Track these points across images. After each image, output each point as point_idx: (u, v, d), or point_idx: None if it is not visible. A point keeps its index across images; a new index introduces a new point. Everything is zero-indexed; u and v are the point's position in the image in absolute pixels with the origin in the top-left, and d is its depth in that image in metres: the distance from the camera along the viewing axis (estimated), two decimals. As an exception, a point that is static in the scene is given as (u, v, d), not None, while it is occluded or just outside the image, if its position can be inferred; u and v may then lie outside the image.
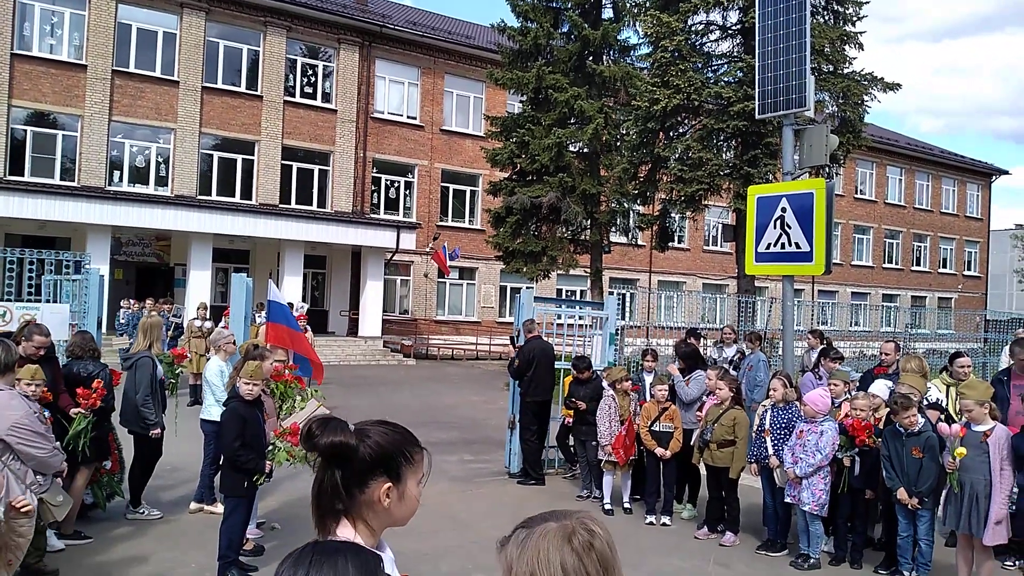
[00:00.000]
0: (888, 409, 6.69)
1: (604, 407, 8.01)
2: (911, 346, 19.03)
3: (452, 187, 28.76)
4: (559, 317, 10.74)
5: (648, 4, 18.79)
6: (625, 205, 20.54)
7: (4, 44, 21.10)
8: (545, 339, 9.41)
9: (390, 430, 1.75)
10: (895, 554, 6.15)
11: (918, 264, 41.15)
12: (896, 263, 40.12)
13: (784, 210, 8.94)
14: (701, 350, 11.05)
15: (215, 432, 6.40)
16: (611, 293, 11.23)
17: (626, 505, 7.96)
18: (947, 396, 7.15)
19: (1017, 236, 45.82)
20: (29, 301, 7.89)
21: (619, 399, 8.01)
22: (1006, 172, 44.41)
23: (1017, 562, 6.47)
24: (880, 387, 7.14)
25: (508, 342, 10.46)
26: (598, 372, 9.05)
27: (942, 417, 6.43)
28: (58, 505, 4.89)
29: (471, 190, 29.06)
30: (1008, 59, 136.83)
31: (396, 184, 27.81)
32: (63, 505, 4.96)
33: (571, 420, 8.69)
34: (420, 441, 1.78)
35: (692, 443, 7.47)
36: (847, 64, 17.14)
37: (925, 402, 6.80)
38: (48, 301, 8.07)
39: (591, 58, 20.50)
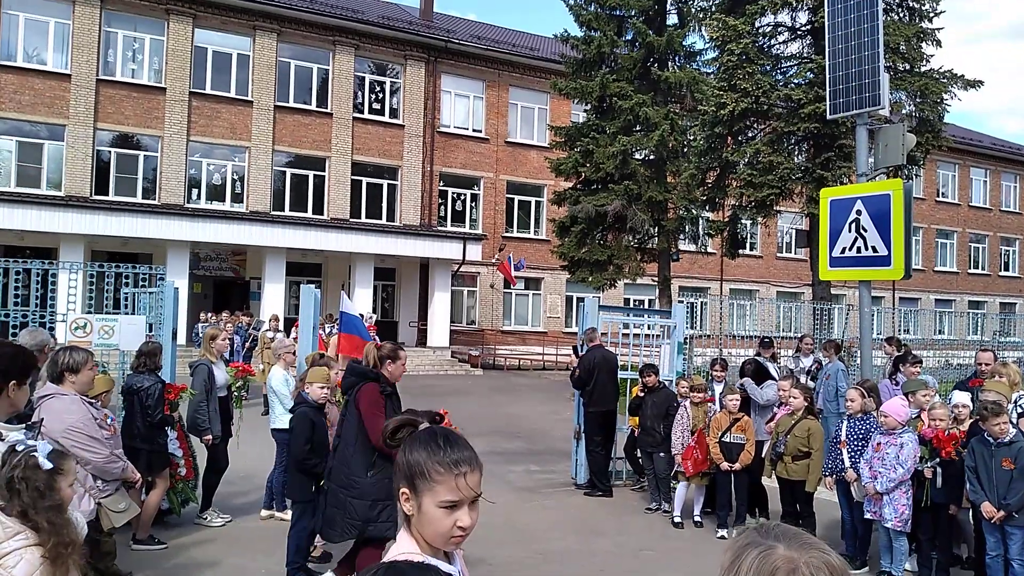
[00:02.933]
0: (972, 419, 6.35)
1: (678, 417, 7.87)
2: (1001, 355, 18.05)
3: (517, 198, 28.83)
4: (625, 326, 10.58)
5: (714, 8, 18.50)
6: (693, 212, 20.20)
7: (91, 71, 22.20)
8: (608, 348, 9.28)
9: (422, 440, 1.75)
10: (984, 574, 5.78)
11: (1006, 269, 39.18)
12: (983, 268, 38.29)
13: (859, 212, 8.58)
14: (775, 360, 10.74)
15: (287, 440, 6.50)
16: (680, 302, 11.00)
17: (696, 519, 7.74)
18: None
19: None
20: (109, 313, 8.19)
21: (692, 410, 7.83)
22: (1101, 170, 41.90)
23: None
24: (963, 397, 6.77)
25: (572, 352, 10.35)
26: (665, 382, 8.87)
27: None
28: (119, 512, 4.98)
29: (536, 201, 29.08)
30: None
31: (462, 196, 28.04)
32: (125, 512, 5.05)
33: (638, 431, 8.52)
34: (459, 462, 1.68)
35: (764, 455, 7.23)
36: (924, 62, 16.48)
37: (1018, 411, 6.42)
38: (127, 313, 8.37)
39: (656, 64, 20.29)
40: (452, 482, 1.69)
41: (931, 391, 7.13)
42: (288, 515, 6.56)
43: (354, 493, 4.86)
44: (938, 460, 6.03)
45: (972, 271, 37.91)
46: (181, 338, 9.89)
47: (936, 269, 36.45)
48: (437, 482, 1.69)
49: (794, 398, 6.93)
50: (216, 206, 23.79)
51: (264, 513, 7.34)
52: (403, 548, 1.73)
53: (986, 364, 8.07)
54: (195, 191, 23.83)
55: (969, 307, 35.09)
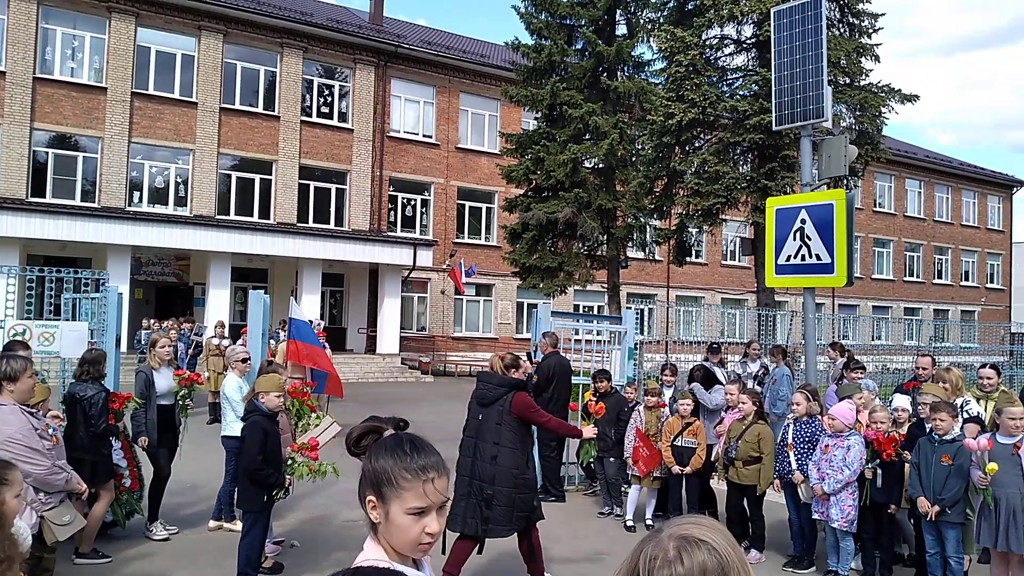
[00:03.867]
0: (910, 423, 6.57)
1: (631, 422, 7.99)
2: (937, 360, 18.70)
3: (468, 204, 28.82)
4: (577, 332, 10.67)
5: (662, 20, 18.84)
6: (641, 220, 20.47)
7: (27, 68, 21.46)
8: (563, 354, 9.33)
9: (388, 447, 1.74)
10: (925, 571, 5.99)
11: (939, 277, 40.69)
12: (917, 276, 39.70)
13: (804, 221, 8.83)
14: (724, 366, 10.95)
15: (237, 448, 6.37)
16: (629, 308, 11.14)
17: (648, 522, 7.83)
18: (985, 410, 7.00)
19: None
20: (49, 319, 7.92)
21: (645, 414, 7.93)
22: (1027, 184, 43.93)
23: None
24: (903, 401, 7.01)
25: (525, 358, 10.38)
26: (617, 387, 8.96)
27: (984, 431, 6.26)
28: (63, 525, 4.80)
29: (487, 207, 29.12)
30: (1022, 72, 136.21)
31: (412, 202, 27.92)
32: (69, 526, 4.86)
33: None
34: (426, 468, 1.68)
35: (713, 459, 7.35)
36: (864, 76, 17.05)
37: (965, 415, 6.68)
38: (68, 320, 8.11)
39: (605, 74, 20.54)
40: (420, 488, 1.68)
41: (870, 395, 7.36)
42: (237, 525, 6.43)
43: (523, 490, 5.53)
44: (878, 461, 6.23)
45: (907, 279, 39.26)
46: (123, 345, 9.60)
47: (873, 277, 37.64)
48: (405, 489, 1.68)
49: (743, 403, 7.06)
50: (159, 209, 23.21)
51: (212, 524, 7.18)
52: (370, 556, 1.72)
53: (923, 368, 8.37)
54: (137, 194, 23.21)
55: (904, 314, 36.34)
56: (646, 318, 16.83)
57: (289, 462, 5.67)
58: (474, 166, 28.67)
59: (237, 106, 24.50)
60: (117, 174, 22.58)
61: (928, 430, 5.99)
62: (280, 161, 24.99)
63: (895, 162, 34.79)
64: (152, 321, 18.14)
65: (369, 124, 26.52)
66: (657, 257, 24.69)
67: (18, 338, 6.97)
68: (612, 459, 8.17)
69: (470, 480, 5.53)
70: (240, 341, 11.81)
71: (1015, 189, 44.02)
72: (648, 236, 21.24)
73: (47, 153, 22.12)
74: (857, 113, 16.91)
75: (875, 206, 37.97)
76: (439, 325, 27.88)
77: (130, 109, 22.77)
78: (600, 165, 20.64)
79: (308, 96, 25.90)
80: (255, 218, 24.49)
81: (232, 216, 24.11)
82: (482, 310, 29.04)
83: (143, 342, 17.54)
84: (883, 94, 16.98)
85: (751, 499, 6.94)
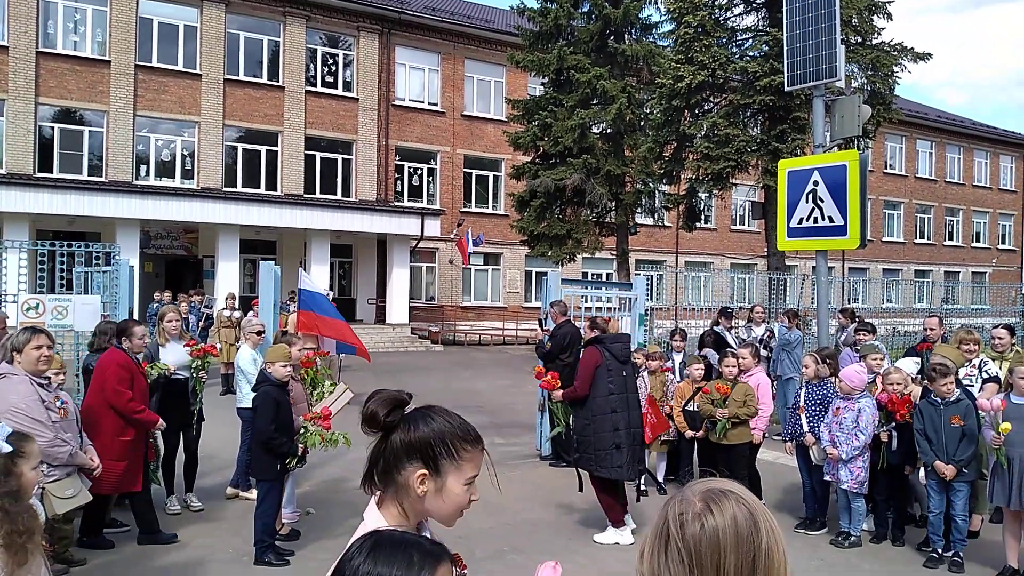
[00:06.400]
0: (920, 385, 6.54)
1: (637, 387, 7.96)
2: (948, 322, 18.66)
3: (475, 172, 28.67)
4: (586, 300, 10.65)
5: (670, -20, 18.47)
6: (651, 185, 20.33)
7: (29, 43, 21.32)
8: (573, 322, 9.32)
9: (442, 419, 1.70)
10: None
11: (951, 239, 40.38)
12: (928, 238, 39.40)
13: (816, 184, 8.72)
14: (732, 330, 10.92)
15: (252, 419, 6.40)
16: (638, 274, 11.10)
17: (660, 485, 7.88)
18: (1000, 369, 6.97)
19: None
20: (61, 293, 7.95)
21: (649, 379, 7.93)
22: (1041, 142, 43.31)
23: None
24: (908, 364, 6.98)
25: (536, 326, 10.39)
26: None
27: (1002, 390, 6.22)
28: (64, 498, 4.80)
29: (494, 175, 28.96)
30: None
31: (419, 171, 27.78)
32: (71, 500, 4.86)
33: None
34: (479, 437, 1.70)
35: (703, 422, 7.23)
36: (876, 35, 16.74)
37: (984, 375, 6.67)
38: (80, 293, 8.14)
39: (612, 37, 20.26)
40: (479, 458, 1.69)
41: (882, 356, 7.33)
42: (253, 494, 6.49)
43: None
44: (893, 424, 6.22)
45: (918, 241, 38.97)
46: (135, 318, 9.64)
47: (884, 239, 37.37)
48: (465, 460, 1.67)
49: (728, 367, 6.97)
50: (166, 183, 23.18)
51: (229, 491, 7.26)
52: (376, 521, 1.69)
53: (931, 329, 8.35)
54: (143, 167, 23.17)
55: (915, 276, 36.13)
56: (655, 284, 16.79)
57: (302, 431, 5.71)
58: (480, 134, 28.45)
59: (241, 77, 24.32)
60: (123, 148, 22.53)
61: (928, 393, 5.96)
62: (286, 132, 24.87)
63: (906, 123, 34.32)
64: (165, 293, 18.20)
65: (374, 93, 26.31)
66: (666, 223, 24.58)
67: (31, 311, 7.01)
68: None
69: (628, 431, 6.18)
70: (251, 312, 11.85)
71: (1028, 148, 43.42)
72: (657, 202, 21.10)
73: (53, 128, 22.06)
74: (869, 73, 16.64)
75: (886, 168, 37.57)
76: (448, 295, 27.91)
77: (134, 82, 22.64)
78: (608, 130, 20.44)
79: (312, 65, 25.68)
80: (262, 190, 24.44)
81: (239, 188, 24.07)
82: (491, 279, 29.02)
83: (156, 315, 17.64)
84: (895, 53, 16.69)
85: (739, 459, 6.85)
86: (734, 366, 7.01)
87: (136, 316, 8.89)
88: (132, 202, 20.43)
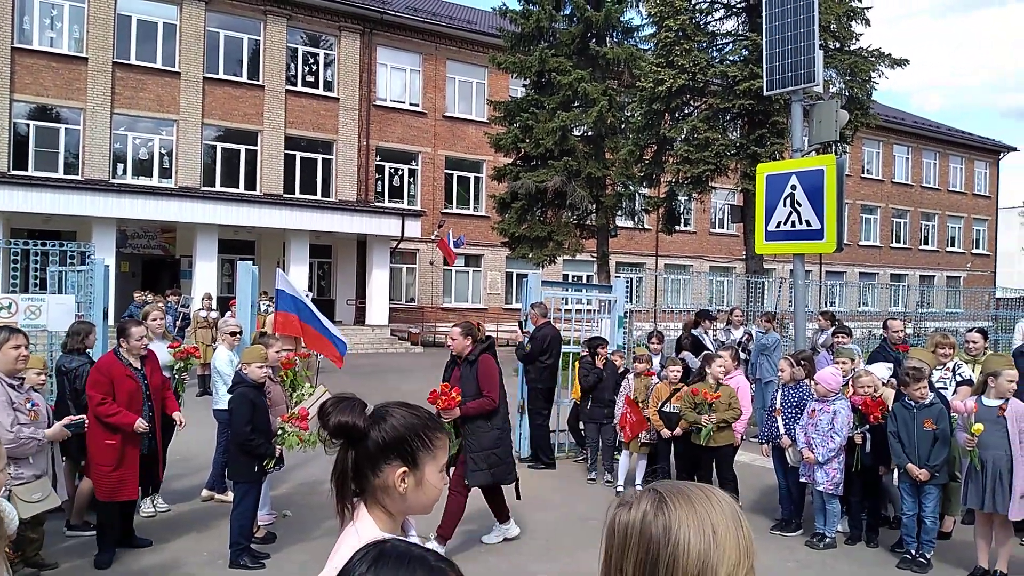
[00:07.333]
0: (893, 389, 6.62)
1: (622, 389, 8.06)
2: (921, 325, 18.91)
3: (456, 174, 28.63)
4: (566, 301, 10.67)
5: (651, -16, 18.55)
6: (631, 188, 20.39)
7: (4, 38, 21.02)
8: (553, 323, 9.35)
9: (409, 413, 1.70)
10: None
11: (926, 243, 40.88)
12: (904, 242, 39.87)
13: (794, 187, 8.81)
14: (711, 333, 10.98)
15: (229, 420, 6.35)
16: (618, 277, 11.14)
17: (639, 487, 7.91)
18: (973, 372, 7.07)
19: (1026, 213, 45.49)
20: (35, 293, 7.84)
21: (634, 381, 7.98)
22: (1014, 149, 43.95)
23: (1036, 538, 6.40)
24: (880, 368, 7.06)
25: (516, 328, 10.40)
26: (607, 356, 9.00)
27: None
28: (31, 502, 4.74)
29: (475, 176, 28.95)
30: (1011, 35, 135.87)
31: (400, 172, 27.70)
32: (38, 504, 4.80)
33: (590, 403, 8.61)
34: (442, 423, 1.74)
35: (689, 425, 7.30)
36: (854, 40, 16.92)
37: (958, 379, 6.77)
38: (54, 293, 8.03)
39: (594, 40, 20.32)
40: (446, 441, 1.72)
41: (853, 360, 7.42)
42: (229, 496, 6.43)
43: None
44: (867, 426, 6.29)
45: (894, 245, 39.43)
46: (111, 318, 9.52)
47: (860, 243, 37.77)
48: (438, 448, 1.69)
49: (719, 368, 7.11)
50: (143, 181, 22.94)
51: (204, 494, 7.20)
52: (371, 529, 1.67)
53: (895, 331, 8.49)
54: (120, 166, 22.92)
55: (891, 280, 36.56)
56: (635, 287, 16.87)
57: (279, 432, 5.67)
58: (462, 135, 28.43)
59: (221, 76, 24.13)
60: (100, 146, 22.27)
61: (902, 396, 6.04)
62: (265, 131, 24.71)
63: (883, 128, 34.75)
64: (146, 293, 17.98)
65: (355, 93, 26.21)
66: (646, 226, 24.65)
67: (2, 311, 6.91)
68: (612, 424, 8.29)
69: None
70: (229, 313, 11.76)
71: (1002, 154, 44.05)
72: (637, 204, 21.16)
73: (28, 125, 21.77)
74: (847, 78, 16.80)
75: (863, 172, 37.98)
76: (428, 296, 27.85)
77: (112, 79, 22.39)
78: (589, 133, 20.48)
79: (293, 65, 25.54)
80: (241, 189, 24.26)
81: (218, 188, 23.87)
82: (471, 280, 29.00)
83: (132, 315, 17.43)
84: (873, 58, 16.87)
85: (724, 460, 6.98)
86: (723, 367, 7.12)
87: (112, 317, 8.78)
88: (109, 201, 20.21)
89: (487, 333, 6.61)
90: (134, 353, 5.81)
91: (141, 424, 5.58)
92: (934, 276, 39.98)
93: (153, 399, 5.88)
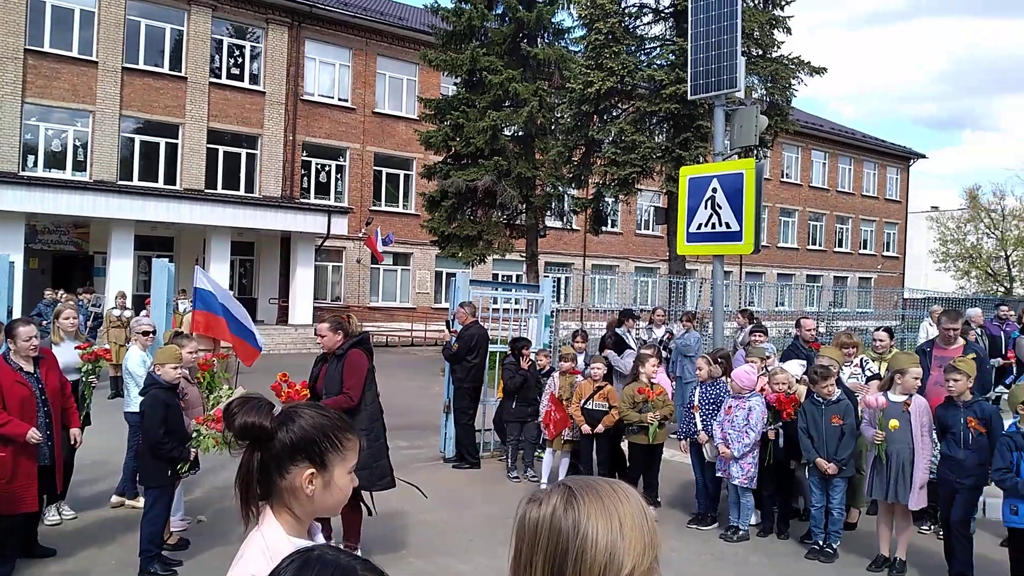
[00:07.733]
0: (805, 386, 6.88)
1: (547, 387, 8.16)
2: (834, 324, 19.65)
3: (385, 171, 28.34)
4: (495, 301, 10.69)
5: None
6: (560, 189, 20.57)
7: (-99, 19, 19.81)
8: (481, 323, 9.36)
9: (317, 414, 1.67)
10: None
11: (840, 245, 42.52)
12: (820, 244, 41.37)
13: (715, 190, 9.05)
14: (634, 331, 11.17)
15: (140, 423, 6.13)
16: (547, 276, 11.24)
17: (561, 485, 7.98)
18: (879, 369, 7.40)
19: (933, 218, 47.77)
20: (-70, 290, 7.41)
21: (559, 379, 8.06)
22: (923, 156, 46.20)
23: (932, 526, 6.74)
24: (793, 366, 7.32)
25: (444, 327, 10.37)
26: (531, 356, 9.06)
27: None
28: None
29: (405, 174, 28.71)
30: (921, 48, 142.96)
31: (327, 168, 27.25)
32: None
33: (514, 402, 8.65)
34: (353, 428, 1.70)
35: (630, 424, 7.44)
36: (776, 48, 17.46)
37: (864, 375, 7.07)
38: (-48, 290, 7.60)
39: (526, 40, 20.41)
40: (356, 443, 1.69)
41: (771, 358, 7.68)
42: (139, 502, 6.22)
43: None
44: (780, 422, 6.51)
45: (810, 247, 40.88)
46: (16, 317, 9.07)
47: (779, 245, 39.03)
48: (348, 449, 1.67)
49: (652, 366, 7.28)
50: (56, 174, 21.93)
51: (114, 500, 6.94)
52: (277, 533, 1.65)
53: (808, 330, 8.81)
54: (31, 158, 21.86)
55: (807, 281, 37.90)
56: (563, 286, 17.03)
57: (195, 435, 5.51)
58: (391, 131, 28.15)
59: (141, 66, 23.26)
60: (9, 136, 21.19)
61: (812, 393, 6.30)
62: (187, 124, 23.94)
63: (802, 134, 35.98)
64: (60, 292, 17.19)
65: (282, 87, 25.66)
66: (575, 226, 24.92)
67: None
68: (535, 422, 8.36)
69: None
70: (144, 312, 11.36)
71: (912, 161, 46.22)
72: (566, 205, 21.37)
73: (-73, 111, 20.57)
74: (768, 84, 17.35)
75: (782, 176, 39.24)
76: (355, 295, 27.49)
77: (23, 67, 21.32)
78: (520, 133, 20.57)
79: (217, 57, 24.82)
80: (160, 184, 23.45)
81: (135, 182, 23.01)
82: (400, 279, 28.75)
83: (41, 314, 16.64)
84: (793, 66, 17.44)
85: (657, 457, 7.20)
86: (655, 366, 7.28)
87: (17, 315, 8.35)
88: (18, 194, 19.26)
89: (363, 328, 6.18)
90: (24, 355, 5.39)
91: (34, 435, 5.14)
92: (847, 277, 41.62)
93: (51, 404, 5.52)
